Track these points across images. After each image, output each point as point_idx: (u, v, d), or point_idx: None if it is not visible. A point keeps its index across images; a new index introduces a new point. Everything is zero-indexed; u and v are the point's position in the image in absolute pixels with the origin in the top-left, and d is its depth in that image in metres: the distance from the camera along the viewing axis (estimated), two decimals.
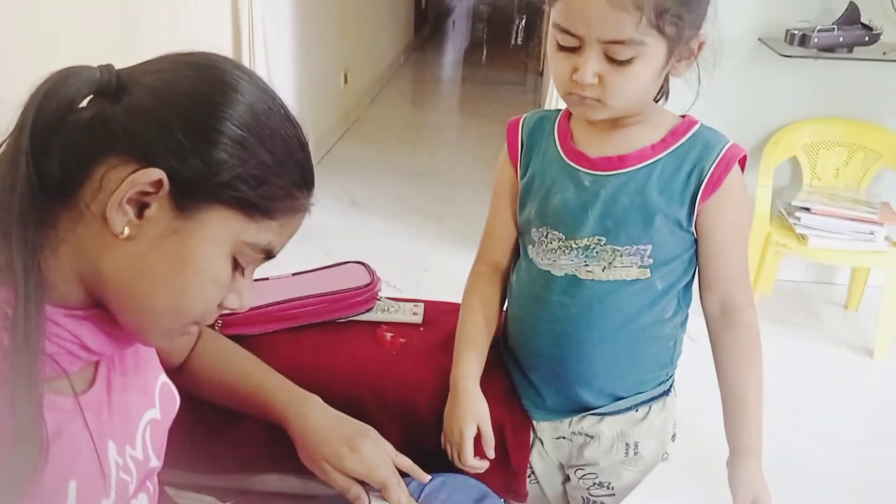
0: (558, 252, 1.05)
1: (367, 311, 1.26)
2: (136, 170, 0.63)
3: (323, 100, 4.14)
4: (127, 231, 0.65)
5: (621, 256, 1.03)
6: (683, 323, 1.12)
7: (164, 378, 0.88)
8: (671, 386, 1.16)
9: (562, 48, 0.94)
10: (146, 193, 0.64)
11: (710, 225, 1.03)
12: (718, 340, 1.07)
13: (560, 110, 1.11)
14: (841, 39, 2.42)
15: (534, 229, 1.08)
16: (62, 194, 0.65)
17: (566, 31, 0.92)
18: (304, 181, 0.73)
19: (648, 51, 0.91)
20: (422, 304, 1.29)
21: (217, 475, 1.16)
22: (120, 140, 0.64)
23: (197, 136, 0.65)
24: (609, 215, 1.02)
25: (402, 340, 1.20)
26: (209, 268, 0.69)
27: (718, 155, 1.00)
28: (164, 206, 0.65)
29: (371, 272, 1.28)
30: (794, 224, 2.49)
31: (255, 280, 1.26)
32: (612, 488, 1.14)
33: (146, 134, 0.64)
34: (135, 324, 0.71)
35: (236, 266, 0.72)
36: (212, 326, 1.16)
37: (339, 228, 3.31)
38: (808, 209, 2.48)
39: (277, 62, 3.32)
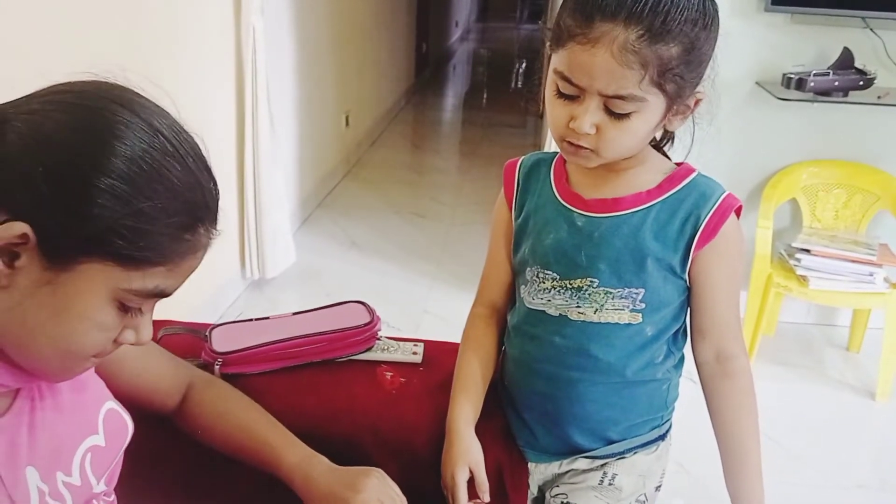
0: (552, 292, 1.06)
1: (367, 350, 1.25)
2: (2, 222, 0.62)
3: (325, 142, 4.18)
4: None
5: (613, 299, 1.03)
6: (678, 365, 1.12)
7: (110, 405, 0.86)
8: (667, 431, 1.15)
9: (561, 95, 0.95)
10: (15, 244, 0.63)
11: (704, 273, 1.03)
12: (714, 390, 1.06)
13: (557, 153, 1.12)
14: (836, 84, 2.45)
15: (528, 269, 1.09)
16: None
17: (568, 80, 0.93)
18: (196, 221, 0.70)
19: (648, 106, 0.92)
20: (421, 344, 1.28)
21: None
22: None
23: (64, 190, 0.63)
24: (602, 257, 1.03)
25: (402, 380, 1.20)
26: (90, 316, 0.67)
27: (715, 204, 1.01)
28: (34, 258, 0.64)
29: (371, 311, 1.28)
30: (795, 266, 2.50)
31: (257, 319, 1.29)
32: None
33: (11, 185, 0.63)
34: (28, 365, 0.71)
35: (126, 308, 0.70)
36: (210, 366, 1.16)
37: (339, 270, 3.32)
38: (808, 251, 2.49)
39: (279, 105, 3.36)
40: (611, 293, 1.03)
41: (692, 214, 1.01)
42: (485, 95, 8.00)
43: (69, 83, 0.68)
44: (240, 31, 2.73)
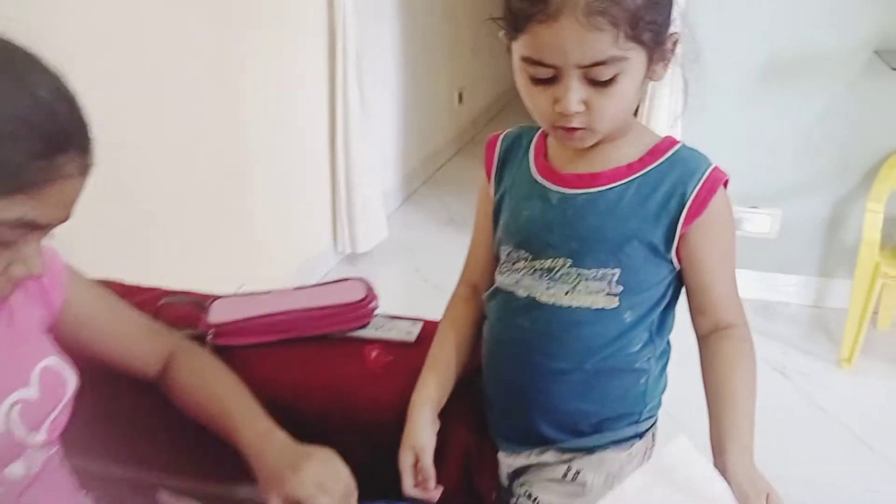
0: (523, 272, 1.00)
1: (363, 327, 1.24)
2: None
3: (434, 119, 4.19)
4: None
5: (587, 281, 0.96)
6: (661, 357, 1.03)
7: (50, 361, 0.90)
8: (647, 430, 1.06)
9: (536, 81, 0.89)
10: None
11: (696, 252, 0.95)
12: (708, 352, 0.97)
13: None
14: None
15: (502, 247, 1.04)
16: None
17: (539, 63, 0.86)
18: (53, 149, 0.71)
19: (630, 64, 0.86)
20: (420, 323, 1.26)
21: (202, 482, 1.18)
22: None
23: None
24: (575, 235, 0.96)
25: (388, 359, 1.18)
26: None
27: (702, 177, 0.93)
28: None
29: (368, 288, 1.27)
30: None
31: (256, 294, 1.31)
32: None
33: None
34: None
35: (2, 242, 0.72)
36: (203, 337, 1.19)
37: (434, 246, 3.33)
38: None
39: (381, 80, 3.39)
40: (584, 274, 0.96)
41: (677, 189, 0.94)
42: None
43: None
44: (333, 4, 2.77)
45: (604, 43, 0.83)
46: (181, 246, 2.17)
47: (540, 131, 1.05)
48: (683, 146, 0.97)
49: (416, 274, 3.08)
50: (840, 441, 2.09)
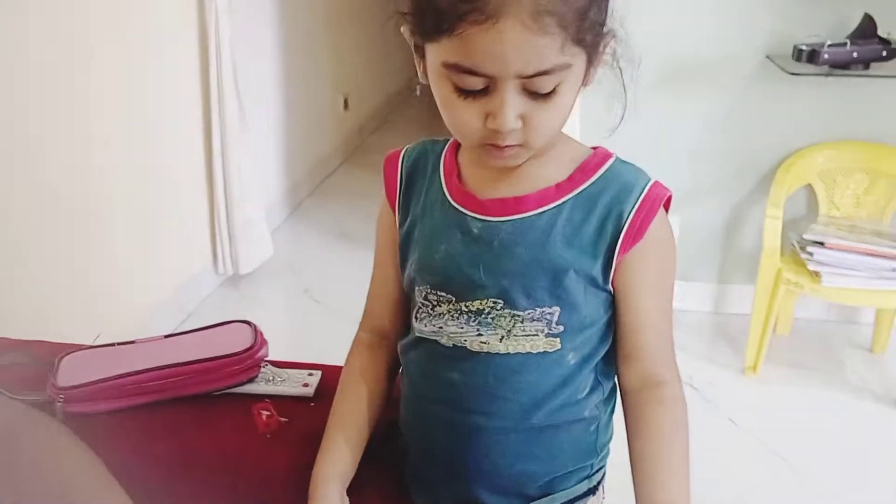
0: (446, 318, 0.85)
1: (250, 381, 1.05)
2: None
3: (319, 126, 3.99)
4: None
5: (523, 323, 0.82)
6: (607, 400, 0.90)
7: None
8: (599, 482, 0.93)
9: (463, 93, 0.73)
10: None
11: (630, 284, 0.82)
12: (639, 419, 0.84)
13: (448, 139, 0.90)
14: (855, 55, 2.17)
15: (417, 289, 0.87)
16: None
17: (471, 72, 0.71)
18: None
19: (573, 72, 0.73)
20: (318, 373, 1.08)
21: None
22: None
23: None
24: (505, 272, 0.81)
25: (282, 420, 1.00)
26: None
27: (640, 196, 0.80)
28: None
29: (256, 333, 1.08)
30: (807, 260, 2.24)
31: (119, 344, 1.10)
32: None
33: None
34: None
35: None
36: (51, 404, 0.98)
37: (324, 263, 3.13)
38: (821, 243, 2.23)
39: (260, 88, 3.17)
40: (519, 316, 0.82)
41: (613, 211, 0.81)
42: None
43: None
44: (203, 5, 2.54)
45: (550, 49, 0.69)
46: (29, 288, 1.90)
47: (447, 146, 0.90)
48: (617, 160, 0.85)
49: (306, 295, 2.87)
50: (753, 454, 2.04)
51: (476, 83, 0.72)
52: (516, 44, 0.68)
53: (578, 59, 0.73)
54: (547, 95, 0.72)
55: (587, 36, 0.72)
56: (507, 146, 0.75)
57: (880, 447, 2.13)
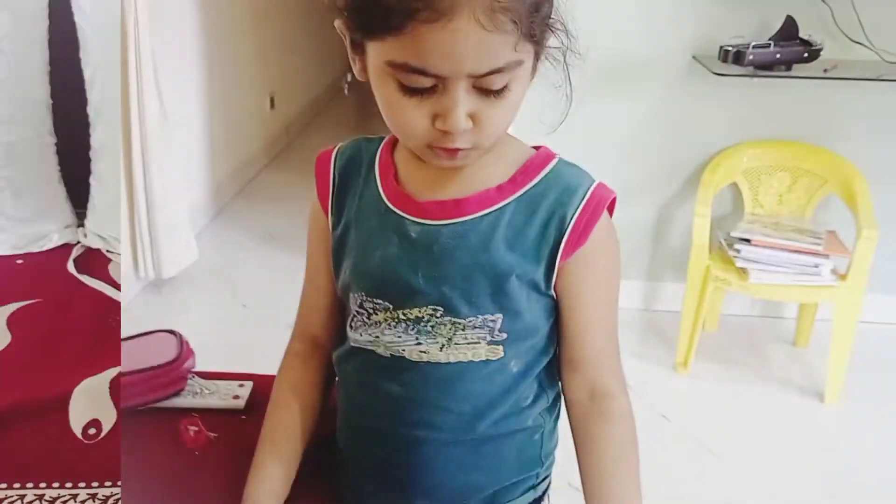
0: (383, 326, 0.81)
1: (176, 394, 1.00)
2: None
3: (244, 125, 3.89)
4: None
5: (464, 330, 0.79)
6: (552, 408, 0.88)
7: None
8: (545, 492, 0.91)
9: (409, 92, 0.69)
10: None
11: (573, 290, 0.80)
12: (587, 436, 0.83)
13: (384, 137, 0.86)
14: (778, 56, 2.22)
15: (352, 295, 0.83)
16: None
17: (421, 72, 0.67)
18: None
19: (523, 68, 0.71)
20: (249, 384, 1.04)
21: None
22: None
23: None
24: (445, 278, 0.78)
25: (211, 436, 0.94)
26: None
27: (583, 199, 0.78)
28: None
29: (181, 344, 1.02)
30: (734, 257, 2.28)
31: None
32: None
33: None
34: None
35: None
36: None
37: (252, 266, 3.05)
38: (748, 240, 2.27)
39: (182, 84, 3.06)
40: (460, 324, 0.79)
41: (556, 214, 0.78)
42: None
43: None
44: (122, 2, 2.43)
45: (503, 47, 0.67)
46: None
47: (383, 145, 0.86)
48: (560, 160, 0.82)
49: (233, 300, 2.78)
50: (688, 452, 2.06)
51: (424, 82, 0.68)
52: (471, 43, 0.65)
53: (528, 54, 0.71)
54: (498, 93, 0.70)
55: (537, 31, 0.70)
56: (457, 148, 0.72)
57: (806, 439, 2.19)
